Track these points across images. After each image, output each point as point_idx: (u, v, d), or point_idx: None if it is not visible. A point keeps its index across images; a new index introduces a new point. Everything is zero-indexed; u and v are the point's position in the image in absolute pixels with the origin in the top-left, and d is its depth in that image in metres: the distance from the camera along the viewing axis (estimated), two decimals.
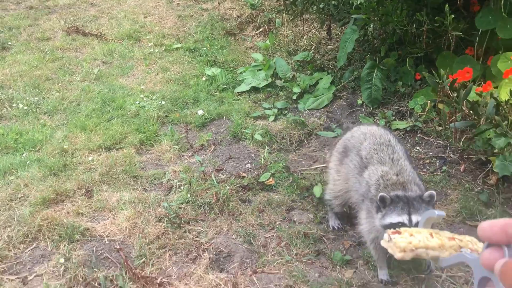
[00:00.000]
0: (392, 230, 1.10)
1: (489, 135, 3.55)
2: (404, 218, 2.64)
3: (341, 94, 5.47)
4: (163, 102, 5.46)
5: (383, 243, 1.11)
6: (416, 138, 4.56)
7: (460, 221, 3.47)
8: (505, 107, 3.18)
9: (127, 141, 4.70)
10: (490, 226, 0.80)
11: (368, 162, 3.06)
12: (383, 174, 2.91)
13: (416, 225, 2.56)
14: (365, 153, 3.11)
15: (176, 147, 4.66)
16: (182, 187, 4.00)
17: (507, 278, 0.74)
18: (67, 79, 6.14)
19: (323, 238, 3.50)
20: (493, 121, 3.07)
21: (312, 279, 3.12)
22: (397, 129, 4.70)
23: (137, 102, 5.44)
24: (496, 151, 3.41)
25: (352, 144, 3.31)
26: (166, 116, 5.25)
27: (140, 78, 6.16)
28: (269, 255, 3.36)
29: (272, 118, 5.06)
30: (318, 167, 4.33)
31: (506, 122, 3.02)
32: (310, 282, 3.09)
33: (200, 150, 4.66)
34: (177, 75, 6.19)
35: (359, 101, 5.22)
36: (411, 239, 1.04)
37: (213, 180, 4.01)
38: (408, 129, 4.66)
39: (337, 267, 3.22)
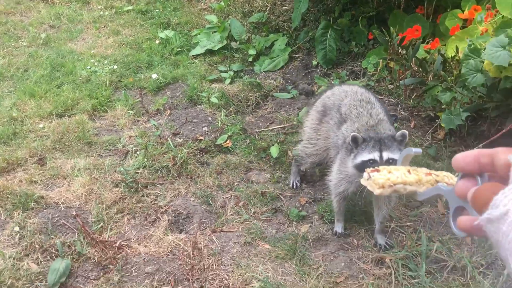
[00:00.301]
0: (371, 168, 1.12)
1: (437, 91, 3.68)
2: (375, 155, 2.70)
3: (297, 55, 5.48)
4: (115, 67, 5.32)
5: (362, 181, 1.14)
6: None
7: None
8: (451, 63, 3.29)
9: (79, 107, 4.58)
10: (464, 156, 0.82)
11: (346, 117, 3.11)
12: (359, 126, 2.98)
13: (388, 161, 2.67)
14: (345, 109, 3.16)
15: (131, 112, 4.58)
16: (138, 152, 3.96)
17: (477, 203, 0.76)
18: (12, 44, 5.86)
19: (280, 196, 3.58)
20: (440, 77, 3.17)
21: (269, 235, 3.21)
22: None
23: (88, 67, 5.28)
24: (443, 106, 3.55)
25: (332, 102, 3.34)
26: (119, 81, 5.13)
27: (90, 42, 5.96)
28: (227, 215, 3.41)
29: (228, 81, 5.04)
30: (275, 128, 4.38)
31: (451, 77, 3.13)
32: (267, 238, 3.18)
33: (156, 115, 4.61)
34: (129, 38, 6.02)
35: (314, 62, 5.25)
36: (389, 175, 1.07)
37: (170, 144, 3.99)
38: None
39: (294, 222, 3.32)
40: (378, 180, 1.07)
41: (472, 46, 3.00)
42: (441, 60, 3.30)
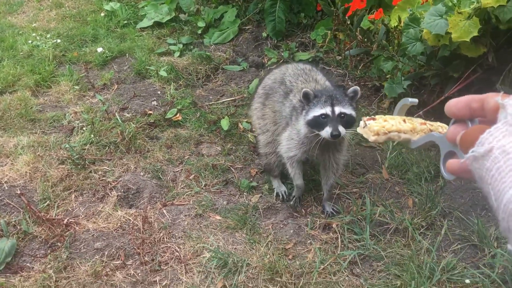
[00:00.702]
0: (367, 117, 1.13)
1: (381, 61, 3.76)
2: (327, 110, 2.70)
3: (247, 27, 5.45)
4: (58, 41, 5.12)
5: (358, 129, 1.15)
6: (318, 68, 4.71)
7: (356, 143, 3.72)
8: (394, 33, 3.37)
9: (21, 83, 4.40)
10: (456, 102, 0.85)
11: (292, 85, 3.10)
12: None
13: (339, 116, 2.71)
14: (289, 79, 3.15)
15: (76, 87, 4.45)
16: (84, 128, 3.87)
17: (465, 144, 0.79)
18: None
19: (231, 168, 3.61)
20: (383, 47, 3.24)
21: (220, 206, 3.24)
22: (300, 60, 4.82)
23: (30, 42, 5.06)
24: (387, 76, 3.64)
25: (274, 79, 3.31)
26: (63, 55, 4.95)
27: (32, 16, 5.69)
28: (178, 188, 3.41)
29: (177, 54, 4.96)
30: (225, 101, 4.37)
31: (393, 46, 3.22)
32: (218, 210, 3.21)
33: (103, 90, 4.49)
34: (73, 11, 5.80)
35: (264, 34, 5.24)
36: (385, 123, 1.09)
37: (117, 119, 3.91)
38: (310, 59, 4.79)
39: (244, 193, 3.36)
40: (373, 128, 1.09)
41: (413, 15, 3.08)
42: (384, 30, 3.37)
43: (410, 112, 1.18)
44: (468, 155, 0.74)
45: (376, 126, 1.09)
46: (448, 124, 0.92)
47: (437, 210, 3.00)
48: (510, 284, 2.54)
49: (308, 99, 2.79)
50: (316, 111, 2.74)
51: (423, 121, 1.10)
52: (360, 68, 4.40)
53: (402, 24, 3.39)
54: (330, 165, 3.10)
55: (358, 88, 2.79)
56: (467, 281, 2.60)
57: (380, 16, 3.69)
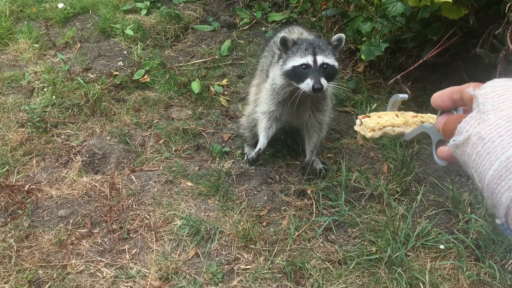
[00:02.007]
0: (362, 115, 1.21)
1: (358, 23, 3.64)
2: (308, 59, 2.49)
3: None
4: None
5: (355, 127, 1.22)
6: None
7: (330, 108, 3.63)
8: None
9: None
10: (439, 95, 0.91)
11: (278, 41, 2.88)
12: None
13: (322, 67, 2.50)
14: (277, 38, 2.89)
15: (36, 45, 4.16)
16: (45, 89, 3.63)
17: (446, 133, 0.86)
18: None
19: (202, 133, 3.47)
20: (361, 8, 3.12)
21: (192, 172, 3.12)
22: (273, 21, 4.65)
23: None
24: (363, 39, 3.53)
25: (268, 50, 3.13)
26: (21, 11, 4.62)
27: None
28: (147, 154, 3.27)
29: (144, 11, 4.69)
30: (196, 63, 4.18)
31: (372, 7, 3.10)
32: (190, 176, 3.09)
33: (65, 48, 4.22)
34: None
35: None
36: (379, 120, 1.16)
37: (80, 80, 3.68)
38: (284, 21, 4.63)
39: (216, 159, 3.25)
40: (369, 125, 1.16)
41: None
42: None
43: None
44: (450, 144, 0.81)
45: (372, 123, 1.16)
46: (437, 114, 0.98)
47: (412, 176, 2.97)
48: (483, 249, 2.55)
49: (286, 46, 2.56)
50: (296, 61, 2.52)
51: (414, 114, 1.17)
52: (335, 30, 4.27)
53: None
54: (312, 124, 2.92)
55: (343, 35, 2.58)
56: (442, 246, 2.60)
57: None
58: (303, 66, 2.50)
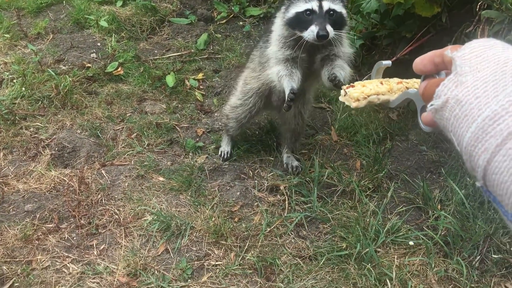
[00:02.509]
0: (346, 85, 1.18)
1: None
2: (313, 4, 2.29)
3: None
4: None
5: (340, 98, 1.20)
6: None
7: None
8: None
9: None
10: (421, 59, 0.89)
11: None
12: None
13: (328, 12, 2.29)
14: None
15: (7, 35, 4.05)
16: (15, 81, 3.54)
17: (426, 97, 0.86)
18: None
19: (176, 127, 3.43)
20: None
21: (164, 167, 3.08)
22: (251, 16, 4.61)
23: None
24: None
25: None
26: None
27: None
28: (119, 148, 3.21)
29: (119, 3, 4.60)
30: (171, 56, 4.12)
31: (347, 3, 3.09)
32: (162, 171, 3.05)
33: (37, 39, 4.12)
34: None
35: None
36: (363, 89, 1.14)
37: (51, 72, 3.59)
38: (261, 15, 4.60)
39: (190, 154, 3.21)
40: (353, 95, 1.14)
41: None
42: None
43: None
44: (429, 108, 0.80)
45: (356, 93, 1.14)
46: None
47: (384, 172, 2.98)
48: (452, 245, 2.58)
49: None
50: (299, 6, 2.31)
51: (399, 80, 1.15)
52: None
53: None
54: (332, 60, 2.60)
55: None
56: (411, 242, 2.62)
57: None
58: (307, 12, 2.29)
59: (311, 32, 2.26)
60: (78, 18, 4.32)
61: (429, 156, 3.17)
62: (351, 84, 1.19)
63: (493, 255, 2.57)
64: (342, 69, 2.46)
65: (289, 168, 3.06)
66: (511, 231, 2.63)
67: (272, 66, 2.56)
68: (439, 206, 2.81)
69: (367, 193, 2.91)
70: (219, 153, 3.16)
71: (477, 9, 2.67)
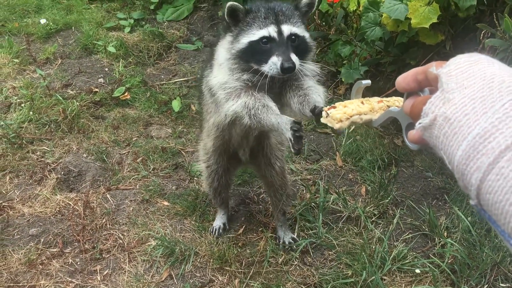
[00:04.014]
0: (328, 106, 1.16)
1: (339, 46, 3.68)
2: (270, 30, 1.84)
3: (202, 5, 5.24)
4: None
5: (322, 119, 1.17)
6: None
7: (311, 129, 3.64)
8: (352, 17, 3.28)
9: None
10: (404, 78, 0.88)
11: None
12: None
13: (290, 38, 1.85)
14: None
15: (16, 60, 4.12)
16: (23, 105, 3.58)
17: (414, 115, 0.84)
18: None
19: (182, 151, 3.45)
20: (341, 31, 3.16)
21: (169, 191, 3.08)
22: None
23: None
24: (344, 61, 3.57)
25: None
26: (2, 25, 4.59)
27: None
28: (124, 172, 3.22)
29: (127, 29, 4.70)
30: (178, 81, 4.17)
31: (351, 30, 3.13)
32: (167, 195, 3.05)
33: (45, 64, 4.19)
34: None
35: (220, 13, 5.04)
36: (345, 109, 1.14)
37: (58, 96, 3.63)
38: None
39: (195, 178, 3.21)
40: (335, 116, 1.14)
41: None
42: (343, 14, 3.29)
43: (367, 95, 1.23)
44: (417, 127, 0.79)
45: (338, 114, 1.13)
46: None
47: (389, 198, 2.97)
48: (459, 274, 2.54)
49: (236, 17, 1.88)
50: (253, 34, 1.85)
51: (379, 99, 1.15)
52: (317, 52, 4.30)
53: (361, 8, 3.32)
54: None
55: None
56: (417, 270, 2.58)
57: (338, 0, 3.60)
58: (264, 41, 1.84)
59: (273, 65, 1.82)
60: (86, 43, 4.39)
61: (435, 183, 3.16)
62: (332, 105, 1.18)
63: (501, 284, 2.53)
64: (317, 93, 1.96)
65: (280, 242, 2.73)
66: None
67: (226, 101, 1.94)
68: (445, 233, 2.78)
69: (373, 219, 2.89)
70: (211, 229, 2.81)
71: (481, 37, 2.70)
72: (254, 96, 1.90)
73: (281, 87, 1.98)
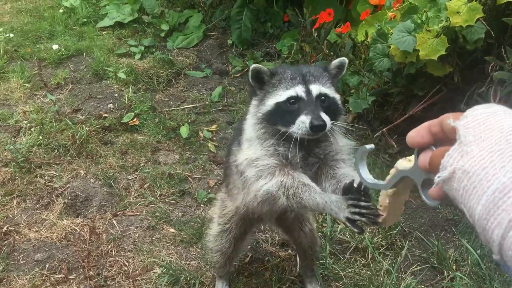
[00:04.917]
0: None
1: (347, 75, 3.71)
2: (298, 90, 1.74)
3: (212, 33, 5.32)
4: (11, 35, 4.84)
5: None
6: None
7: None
8: (360, 47, 3.32)
9: None
10: (417, 132, 0.87)
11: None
12: None
13: (318, 97, 1.74)
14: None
15: (27, 85, 4.18)
16: (33, 129, 3.62)
17: (433, 169, 0.82)
18: None
19: (189, 178, 3.45)
20: (349, 61, 3.18)
21: (175, 218, 3.07)
22: None
23: None
24: (352, 91, 3.59)
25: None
26: (15, 50, 4.67)
27: None
28: (131, 198, 3.22)
29: (138, 56, 4.77)
30: (186, 108, 4.21)
31: (360, 61, 3.17)
32: (173, 222, 3.04)
33: (56, 89, 4.25)
34: (30, 5, 5.52)
35: (230, 41, 5.12)
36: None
37: (68, 121, 3.67)
38: None
39: (201, 205, 3.21)
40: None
41: (380, 30, 3.04)
42: (351, 44, 3.33)
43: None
44: (436, 181, 0.79)
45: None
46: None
47: (397, 229, 2.94)
48: None
49: (261, 80, 1.82)
50: (279, 95, 1.76)
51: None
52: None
53: (369, 39, 3.36)
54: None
55: (345, 60, 1.88)
56: None
57: (347, 30, 3.65)
58: (292, 101, 1.74)
59: (301, 124, 1.68)
60: (97, 69, 4.45)
61: (443, 214, 3.13)
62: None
63: None
64: (351, 171, 1.80)
65: None
66: None
67: (257, 180, 1.79)
68: (454, 267, 2.74)
69: (380, 250, 2.86)
70: None
71: (489, 70, 2.71)
72: (291, 174, 1.73)
73: (316, 173, 1.83)
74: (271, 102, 1.77)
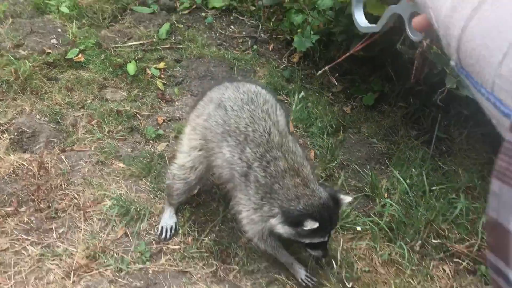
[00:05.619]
0: None
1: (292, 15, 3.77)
2: (325, 237, 2.31)
3: None
4: None
5: None
6: (231, 18, 4.62)
7: None
8: None
9: None
10: None
11: (237, 126, 2.38)
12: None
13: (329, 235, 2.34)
14: (232, 115, 2.40)
15: None
16: None
17: None
18: None
19: (137, 115, 3.48)
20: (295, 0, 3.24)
21: (124, 154, 3.14)
22: (213, 8, 4.69)
23: None
24: (298, 30, 3.66)
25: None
26: None
27: None
28: (79, 134, 3.24)
29: None
30: (133, 44, 4.14)
31: None
32: (122, 157, 3.11)
33: None
34: None
35: None
36: None
37: (10, 56, 3.56)
38: (224, 8, 4.67)
39: (150, 141, 3.28)
40: None
41: None
42: None
43: None
44: None
45: None
46: None
47: (336, 162, 3.16)
48: (395, 231, 2.78)
49: (300, 224, 2.21)
50: (314, 240, 2.29)
51: None
52: (273, 20, 4.38)
53: None
54: None
55: (351, 199, 2.45)
56: (358, 228, 2.80)
57: None
58: (318, 243, 2.33)
59: (317, 253, 2.41)
60: (38, 3, 4.26)
61: (379, 148, 3.37)
62: None
63: (432, 240, 2.79)
64: None
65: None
66: (449, 217, 2.86)
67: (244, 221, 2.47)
68: (385, 195, 3.00)
69: (320, 181, 3.07)
70: (159, 230, 2.66)
71: None
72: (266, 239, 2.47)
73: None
74: (308, 240, 2.35)
